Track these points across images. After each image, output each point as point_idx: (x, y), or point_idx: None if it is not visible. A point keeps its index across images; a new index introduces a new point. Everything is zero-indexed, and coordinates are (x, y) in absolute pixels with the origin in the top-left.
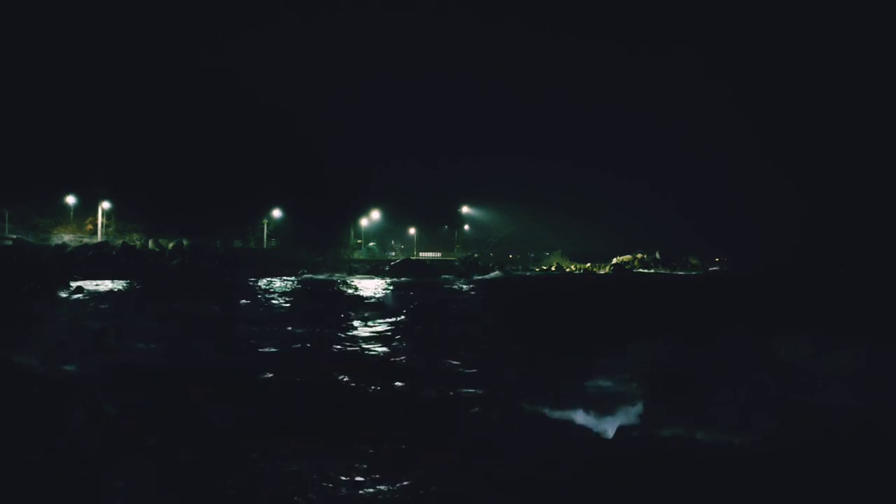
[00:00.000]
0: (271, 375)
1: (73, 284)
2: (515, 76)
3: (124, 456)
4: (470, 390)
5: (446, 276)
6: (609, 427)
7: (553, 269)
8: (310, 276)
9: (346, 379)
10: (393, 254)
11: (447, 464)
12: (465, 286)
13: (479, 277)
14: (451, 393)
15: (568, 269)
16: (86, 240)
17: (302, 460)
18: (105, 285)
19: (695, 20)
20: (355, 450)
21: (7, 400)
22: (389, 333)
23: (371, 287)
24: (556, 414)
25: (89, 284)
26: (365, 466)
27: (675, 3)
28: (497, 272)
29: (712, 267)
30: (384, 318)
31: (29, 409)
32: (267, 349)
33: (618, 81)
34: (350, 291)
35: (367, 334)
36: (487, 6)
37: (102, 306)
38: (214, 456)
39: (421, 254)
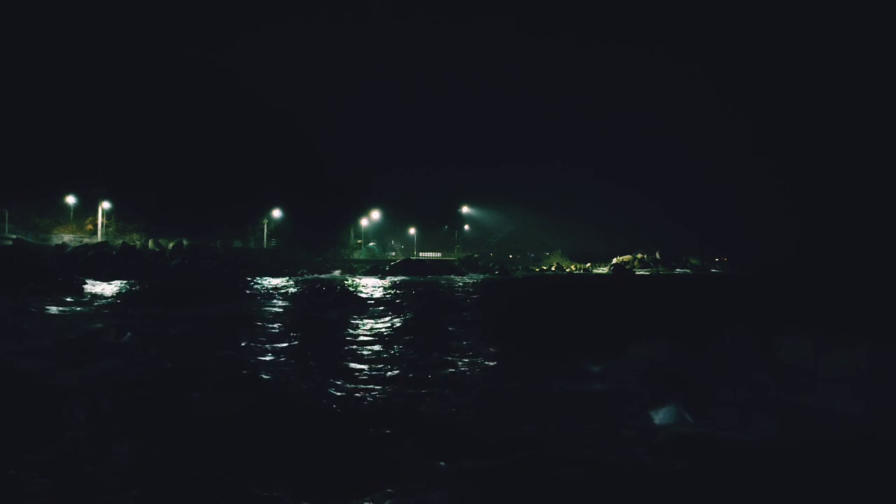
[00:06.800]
0: (269, 376)
1: (73, 285)
2: (519, 80)
3: (121, 456)
4: (467, 391)
5: (446, 276)
6: (609, 427)
7: (553, 269)
8: (310, 276)
9: (339, 391)
10: (393, 254)
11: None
12: (465, 286)
13: (479, 277)
14: (446, 391)
15: (568, 270)
16: (86, 240)
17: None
18: (105, 285)
19: (696, 26)
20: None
21: (6, 400)
22: (387, 334)
23: (371, 287)
24: (555, 415)
25: (89, 284)
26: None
27: (676, 10)
28: (497, 272)
29: (713, 268)
30: (382, 318)
31: (28, 410)
32: (265, 348)
33: (621, 86)
34: (350, 291)
35: (365, 334)
36: (491, 14)
37: (102, 306)
38: (210, 456)
39: (421, 254)
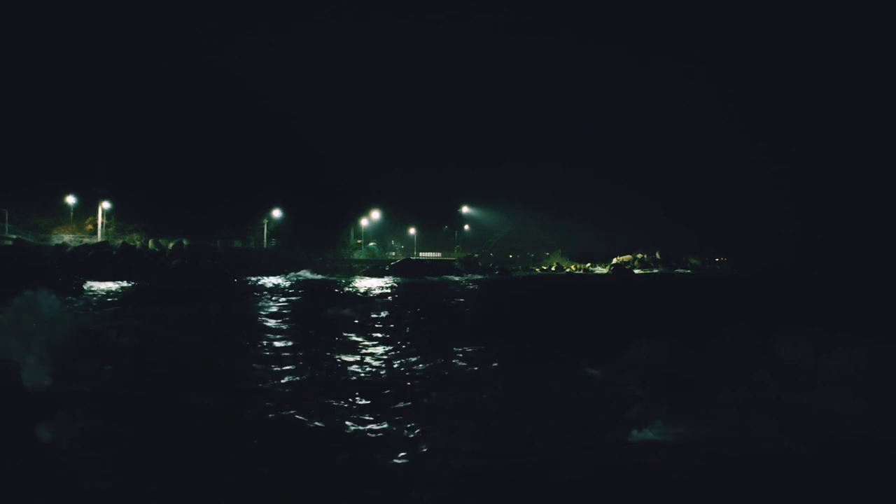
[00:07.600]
0: (268, 377)
1: (73, 285)
2: (519, 80)
3: (120, 456)
4: (465, 392)
5: (446, 277)
6: (609, 428)
7: (553, 269)
8: (310, 276)
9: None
10: (393, 254)
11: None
12: (465, 286)
13: (479, 277)
14: (444, 392)
15: (568, 270)
16: (86, 240)
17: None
18: (105, 286)
19: (696, 26)
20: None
21: (6, 400)
22: (385, 335)
23: (371, 287)
24: (555, 416)
25: (89, 284)
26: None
27: (676, 11)
28: (497, 272)
29: (709, 268)
30: (381, 318)
31: (28, 410)
32: (265, 349)
33: (621, 86)
34: (349, 292)
35: (363, 335)
36: (491, 14)
37: (102, 307)
38: (208, 458)
39: (421, 254)
